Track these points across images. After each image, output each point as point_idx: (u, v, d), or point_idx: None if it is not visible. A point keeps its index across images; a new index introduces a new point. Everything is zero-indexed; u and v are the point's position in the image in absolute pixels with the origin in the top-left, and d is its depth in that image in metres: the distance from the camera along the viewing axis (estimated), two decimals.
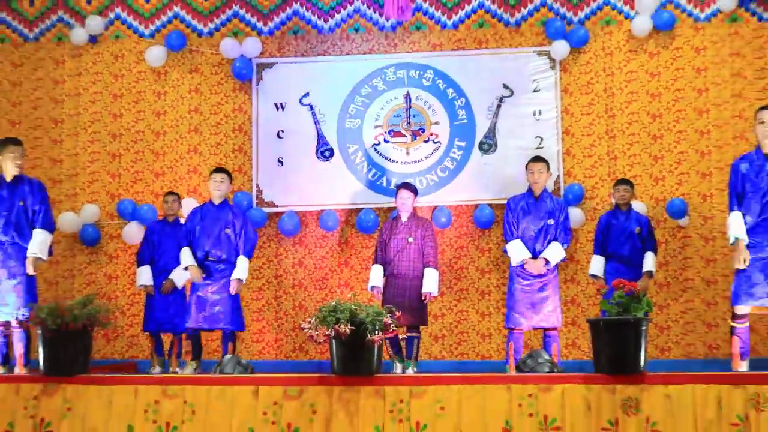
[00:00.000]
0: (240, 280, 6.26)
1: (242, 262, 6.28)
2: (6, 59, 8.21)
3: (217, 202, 6.38)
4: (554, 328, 6.09)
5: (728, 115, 7.63)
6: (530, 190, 6.24)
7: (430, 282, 6.36)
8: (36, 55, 8.20)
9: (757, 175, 5.23)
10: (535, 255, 6.08)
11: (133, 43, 8.16)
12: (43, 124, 8.13)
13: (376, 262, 6.57)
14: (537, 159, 6.35)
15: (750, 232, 5.21)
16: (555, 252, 6.06)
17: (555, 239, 6.09)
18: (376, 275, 6.49)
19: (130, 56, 8.15)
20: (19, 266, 5.66)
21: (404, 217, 6.56)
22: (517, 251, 6.08)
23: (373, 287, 6.48)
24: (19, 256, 5.66)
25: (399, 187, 6.71)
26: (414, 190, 6.65)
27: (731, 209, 5.30)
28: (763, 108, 5.36)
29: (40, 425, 4.75)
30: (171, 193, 7.28)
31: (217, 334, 7.04)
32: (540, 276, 6.06)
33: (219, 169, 6.48)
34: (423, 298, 6.36)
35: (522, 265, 6.08)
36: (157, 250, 7.02)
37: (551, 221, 6.11)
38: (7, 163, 5.74)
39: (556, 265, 6.18)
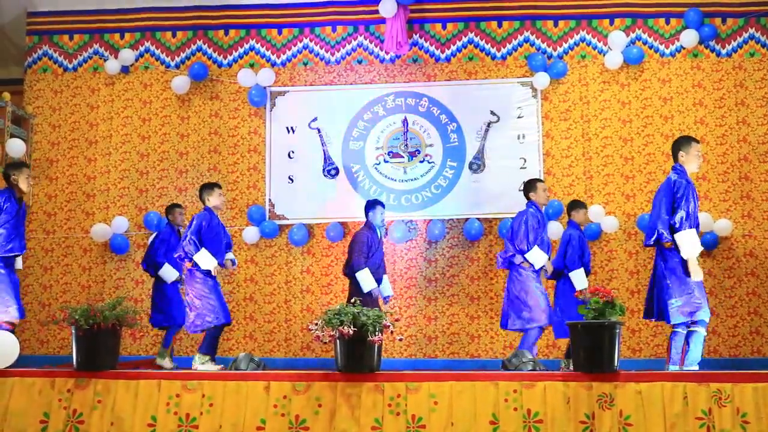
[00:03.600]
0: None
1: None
2: (47, 87, 8.21)
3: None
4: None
5: None
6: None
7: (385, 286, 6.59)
8: (74, 84, 8.20)
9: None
10: None
11: (161, 73, 8.15)
12: (79, 144, 8.10)
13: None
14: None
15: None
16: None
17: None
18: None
19: (158, 85, 8.14)
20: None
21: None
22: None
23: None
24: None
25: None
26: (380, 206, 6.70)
27: (688, 227, 4.98)
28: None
29: (72, 416, 4.69)
30: (176, 205, 7.17)
31: (230, 332, 6.94)
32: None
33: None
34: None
35: (538, 270, 6.02)
36: (167, 256, 6.81)
37: None
38: (24, 183, 5.71)
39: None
